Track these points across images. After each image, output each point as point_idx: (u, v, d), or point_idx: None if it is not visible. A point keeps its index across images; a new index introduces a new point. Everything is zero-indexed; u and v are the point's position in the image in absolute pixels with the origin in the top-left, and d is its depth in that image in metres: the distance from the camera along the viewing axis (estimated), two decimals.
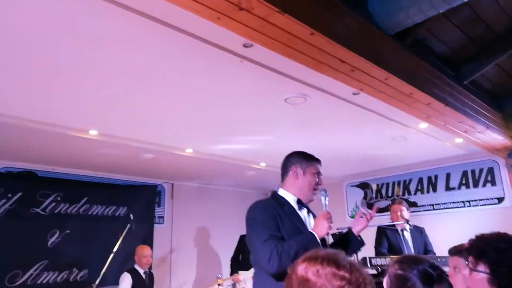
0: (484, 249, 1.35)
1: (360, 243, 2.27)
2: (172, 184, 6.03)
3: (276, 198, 2.19)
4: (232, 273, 5.17)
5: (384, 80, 2.60)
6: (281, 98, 3.03)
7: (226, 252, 5.73)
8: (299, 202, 2.17)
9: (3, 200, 4.38)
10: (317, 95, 3.01)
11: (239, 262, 5.40)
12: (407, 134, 4.13)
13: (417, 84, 2.76)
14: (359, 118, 3.59)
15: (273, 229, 1.99)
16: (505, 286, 1.28)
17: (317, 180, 2.20)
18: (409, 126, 3.86)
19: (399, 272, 1.35)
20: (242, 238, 5.50)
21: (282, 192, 2.21)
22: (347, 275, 0.94)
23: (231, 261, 5.53)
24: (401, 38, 2.71)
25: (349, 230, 2.28)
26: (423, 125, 3.76)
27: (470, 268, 1.36)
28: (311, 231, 1.99)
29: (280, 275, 1.90)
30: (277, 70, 2.58)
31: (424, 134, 4.10)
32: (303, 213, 2.17)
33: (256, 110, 3.32)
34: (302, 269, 0.98)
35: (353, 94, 3.01)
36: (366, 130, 4.00)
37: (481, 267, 1.33)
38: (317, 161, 2.25)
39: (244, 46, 2.25)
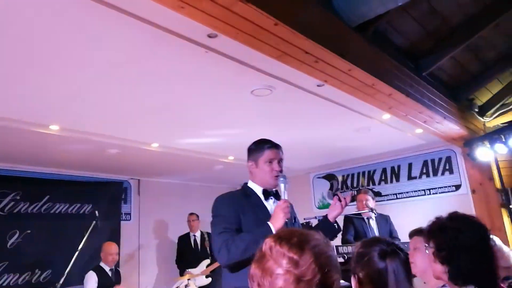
0: (434, 227, 1.46)
1: (338, 229, 2.28)
2: (139, 180, 5.92)
3: (244, 190, 2.21)
4: (181, 274, 5.18)
5: (347, 71, 2.66)
6: (247, 90, 3.04)
7: None
8: (264, 192, 2.18)
9: None
10: (282, 87, 3.04)
11: (184, 261, 5.46)
12: (370, 125, 4.25)
13: (379, 75, 2.85)
14: (324, 110, 3.66)
15: (230, 222, 2.02)
16: (446, 261, 1.38)
17: (272, 167, 2.15)
18: (372, 118, 3.98)
19: (360, 250, 1.45)
20: (180, 239, 5.64)
21: (250, 184, 2.24)
22: (295, 257, 0.91)
23: (176, 263, 5.57)
24: (362, 30, 2.78)
25: (325, 217, 2.28)
26: (386, 116, 3.88)
27: (425, 245, 1.46)
28: (268, 223, 1.98)
29: (232, 267, 1.97)
30: (242, 62, 2.59)
31: (387, 125, 4.24)
32: (270, 203, 2.18)
33: (222, 102, 3.32)
34: (265, 244, 0.98)
35: (318, 86, 3.06)
36: (331, 122, 4.09)
37: (431, 244, 1.43)
38: (271, 147, 2.18)
39: (209, 36, 2.24)
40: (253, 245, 1.82)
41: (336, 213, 2.24)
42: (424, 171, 5.48)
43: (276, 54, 2.34)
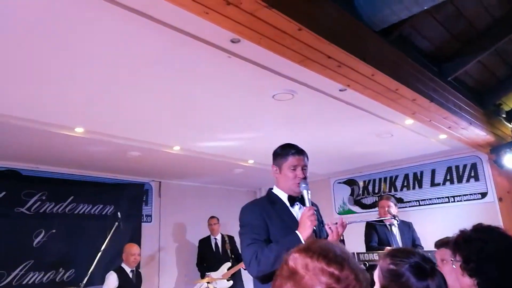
0: (459, 240, 1.42)
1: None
2: (160, 182, 6.00)
3: (269, 197, 2.20)
4: (202, 277, 5.20)
5: (370, 76, 2.63)
6: (269, 94, 3.04)
7: None
8: (290, 198, 2.16)
9: None
10: (304, 91, 3.03)
11: (205, 265, 5.47)
12: (393, 130, 4.19)
13: (402, 80, 2.80)
14: (346, 114, 3.63)
15: (259, 233, 2.00)
16: (474, 273, 1.35)
17: (296, 173, 2.12)
18: (395, 123, 3.92)
19: (392, 267, 1.34)
20: (200, 242, 5.65)
21: (275, 190, 2.22)
22: (336, 272, 0.88)
23: (197, 266, 5.58)
24: (386, 34, 2.75)
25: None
26: (409, 121, 3.81)
27: (451, 260, 1.43)
28: (296, 232, 1.96)
29: (262, 278, 1.96)
30: (265, 66, 2.59)
31: (410, 130, 4.16)
32: (295, 210, 2.15)
33: (244, 106, 3.33)
34: (293, 260, 0.94)
35: (340, 90, 3.04)
36: (352, 127, 4.05)
37: (458, 257, 1.41)
38: (295, 153, 2.16)
39: (232, 41, 2.26)
40: (283, 256, 1.84)
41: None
42: (448, 177, 5.35)
43: (298, 59, 2.34)
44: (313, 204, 2.18)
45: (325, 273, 0.89)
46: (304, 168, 2.16)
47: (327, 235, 2.24)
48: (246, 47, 2.28)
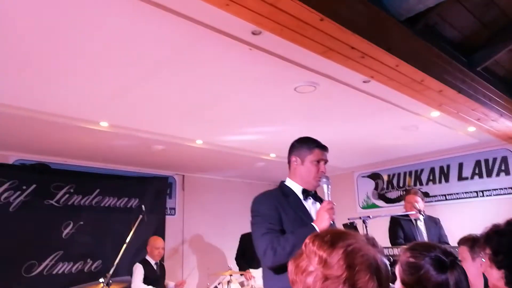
0: (490, 233, 1.40)
1: None
2: (183, 175, 6.07)
3: (282, 189, 2.17)
4: (242, 270, 5.19)
5: (395, 67, 2.57)
6: (290, 87, 3.01)
7: (235, 243, 5.75)
8: (304, 192, 2.14)
9: (18, 192, 4.46)
10: (327, 83, 2.99)
11: (246, 260, 5.43)
12: (418, 123, 4.09)
13: (428, 70, 2.72)
14: (369, 107, 3.56)
15: (273, 222, 1.98)
16: (503, 265, 1.34)
17: (319, 167, 2.11)
18: (421, 115, 3.82)
19: (411, 260, 1.31)
20: (243, 237, 5.56)
21: (288, 182, 2.19)
22: (324, 255, 0.91)
23: (236, 260, 5.55)
24: (412, 24, 2.67)
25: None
26: (435, 113, 3.71)
27: (481, 254, 1.41)
28: (313, 224, 1.95)
29: (277, 269, 1.93)
30: (286, 58, 2.57)
31: (436, 123, 4.05)
32: (308, 203, 2.13)
33: (266, 99, 3.31)
34: (305, 241, 0.99)
35: (364, 82, 2.98)
36: (376, 120, 3.97)
37: (487, 250, 1.40)
38: (321, 147, 2.15)
39: (253, 33, 2.24)
40: (299, 246, 1.83)
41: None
42: (477, 171, 5.18)
43: (320, 50, 2.30)
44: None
45: (316, 255, 0.92)
46: (325, 163, 2.17)
47: None
48: (268, 38, 2.27)
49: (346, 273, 0.89)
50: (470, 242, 2.03)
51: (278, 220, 2.00)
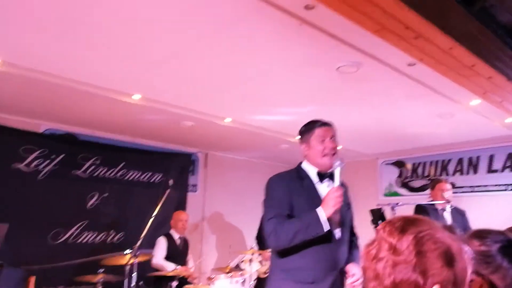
0: None
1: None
2: (207, 153, 6.07)
3: (298, 171, 2.17)
4: (262, 249, 5.21)
5: (448, 49, 2.47)
6: (333, 66, 2.92)
7: (255, 223, 5.77)
8: (319, 174, 2.12)
9: (47, 161, 4.50)
10: (370, 65, 2.90)
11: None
12: (455, 111, 3.97)
13: (481, 55, 2.61)
14: (409, 91, 3.46)
15: (282, 206, 2.01)
16: None
17: (325, 145, 2.08)
18: (459, 103, 3.71)
19: (483, 248, 1.21)
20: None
21: (304, 165, 2.18)
22: (393, 241, 0.90)
23: (256, 239, 5.55)
24: (469, 4, 2.54)
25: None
26: (475, 101, 3.60)
27: None
28: (317, 210, 1.93)
29: (281, 252, 2.01)
30: (334, 35, 2.48)
31: (474, 112, 3.93)
32: (324, 186, 2.10)
33: (305, 78, 3.23)
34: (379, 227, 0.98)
35: (408, 65, 2.88)
36: (413, 105, 3.86)
37: None
38: (321, 125, 2.12)
39: (306, 7, 2.16)
40: (302, 232, 1.91)
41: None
42: (508, 164, 5.05)
43: (374, 28, 2.21)
44: (342, 184, 2.13)
45: (386, 242, 0.91)
46: (332, 138, 2.11)
47: (351, 218, 2.24)
48: (320, 14, 2.18)
49: (416, 259, 0.86)
50: None
51: (288, 203, 2.02)
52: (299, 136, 2.23)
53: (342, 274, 2.04)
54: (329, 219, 1.93)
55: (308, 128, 2.17)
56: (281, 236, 1.93)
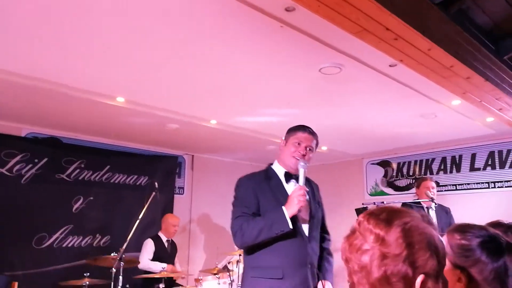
0: None
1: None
2: (193, 156, 6.05)
3: (267, 172, 2.27)
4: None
5: (426, 51, 2.51)
6: (316, 67, 2.95)
7: None
8: (286, 174, 2.21)
9: (30, 165, 4.45)
10: (352, 66, 2.93)
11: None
12: (437, 111, 4.04)
13: (459, 56, 2.66)
14: (391, 92, 3.51)
15: (248, 206, 2.11)
16: None
17: (298, 149, 2.18)
18: (442, 103, 3.77)
19: (462, 241, 1.23)
20: None
21: (274, 165, 2.29)
22: (381, 233, 0.89)
23: None
24: (445, 7, 2.59)
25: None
26: (456, 101, 3.66)
27: None
28: (283, 208, 2.03)
29: (247, 250, 2.14)
30: (316, 37, 2.51)
31: (455, 111, 4.01)
32: (290, 186, 2.19)
33: (288, 80, 3.25)
34: (357, 219, 0.97)
35: (390, 66, 2.93)
36: (396, 106, 3.92)
37: None
38: (305, 131, 2.22)
39: (286, 10, 2.18)
40: (266, 229, 2.02)
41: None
42: (490, 162, 5.16)
43: (355, 29, 2.24)
44: (313, 184, 2.33)
45: (372, 233, 0.90)
46: (308, 148, 2.20)
47: (323, 216, 2.35)
48: (301, 16, 2.21)
49: (406, 251, 0.87)
50: (504, 227, 1.99)
51: (254, 203, 2.12)
52: (287, 134, 2.31)
53: (313, 270, 2.11)
54: (296, 216, 2.04)
55: (293, 129, 2.27)
56: (246, 234, 2.02)
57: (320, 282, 2.12)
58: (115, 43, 2.64)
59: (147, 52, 2.78)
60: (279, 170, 2.24)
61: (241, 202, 2.15)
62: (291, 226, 2.00)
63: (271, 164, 2.31)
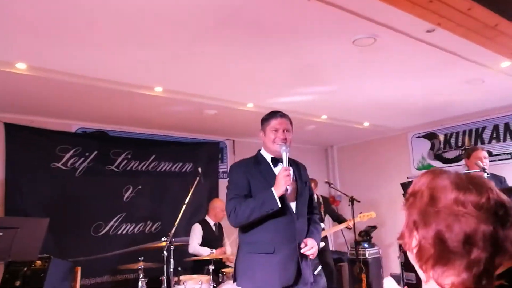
0: None
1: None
2: (234, 141, 6.14)
3: (256, 157, 2.47)
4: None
5: (466, 10, 2.36)
6: (349, 40, 2.86)
7: None
8: (273, 159, 2.40)
9: (82, 159, 4.72)
10: (387, 35, 2.81)
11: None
12: (484, 76, 3.80)
13: (504, 13, 2.48)
14: (431, 60, 3.34)
15: (241, 189, 2.30)
16: None
17: (277, 135, 2.35)
18: (488, 67, 3.54)
19: None
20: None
21: (262, 151, 2.49)
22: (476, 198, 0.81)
23: None
24: None
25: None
26: (505, 63, 3.43)
27: None
28: (272, 189, 2.20)
29: (242, 228, 2.34)
30: (346, 8, 2.42)
31: (505, 74, 3.75)
32: (278, 169, 2.34)
33: (321, 55, 3.19)
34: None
35: (427, 31, 2.77)
36: (438, 74, 3.73)
37: None
38: (277, 117, 2.38)
39: None
40: (257, 209, 2.21)
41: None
42: None
43: None
44: (300, 165, 2.55)
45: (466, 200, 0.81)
46: (286, 130, 2.38)
47: (310, 195, 2.53)
48: None
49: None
50: None
51: (245, 187, 2.31)
52: (261, 126, 2.48)
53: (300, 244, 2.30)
54: (284, 196, 2.23)
55: (266, 118, 2.45)
56: (239, 214, 2.21)
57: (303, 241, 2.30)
58: (148, 33, 2.71)
59: (178, 40, 2.83)
60: (267, 156, 2.44)
61: (234, 186, 2.34)
62: (279, 204, 2.18)
63: (260, 150, 2.50)
